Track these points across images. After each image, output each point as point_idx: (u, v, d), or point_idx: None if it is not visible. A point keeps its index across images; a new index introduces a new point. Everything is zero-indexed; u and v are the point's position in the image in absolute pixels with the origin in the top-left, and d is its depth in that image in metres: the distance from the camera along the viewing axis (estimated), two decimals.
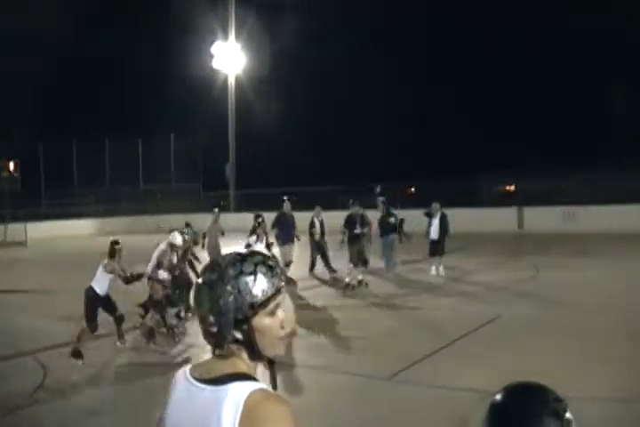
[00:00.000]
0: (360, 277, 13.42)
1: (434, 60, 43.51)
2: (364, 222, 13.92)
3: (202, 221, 16.78)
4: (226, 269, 1.71)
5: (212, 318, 1.69)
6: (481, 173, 30.84)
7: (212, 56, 35.46)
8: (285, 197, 15.47)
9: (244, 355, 1.72)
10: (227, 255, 1.78)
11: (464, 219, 21.06)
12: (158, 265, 9.59)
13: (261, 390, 1.63)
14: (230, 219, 26.68)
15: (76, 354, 8.05)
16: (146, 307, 9.78)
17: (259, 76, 36.80)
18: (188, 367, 1.79)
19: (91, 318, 8.20)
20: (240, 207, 34.68)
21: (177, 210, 34.87)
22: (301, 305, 11.71)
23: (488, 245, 20.39)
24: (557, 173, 27.53)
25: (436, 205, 15.12)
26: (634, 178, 23.50)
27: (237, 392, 1.61)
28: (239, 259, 1.74)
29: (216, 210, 15.47)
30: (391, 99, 43.73)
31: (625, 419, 5.61)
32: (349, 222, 13.89)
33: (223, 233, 14.98)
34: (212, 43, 35.39)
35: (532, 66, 41.68)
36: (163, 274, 9.54)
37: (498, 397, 1.58)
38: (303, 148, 43.24)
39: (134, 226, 31.95)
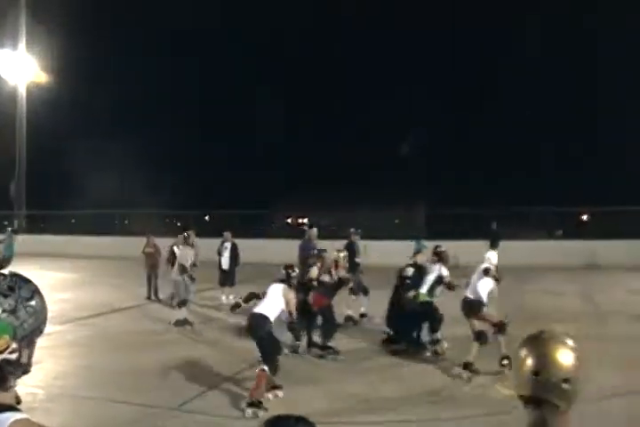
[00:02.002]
0: (363, 309, 12.53)
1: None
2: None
3: None
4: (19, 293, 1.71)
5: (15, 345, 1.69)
6: (274, 205, 31.53)
7: None
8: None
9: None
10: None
11: (257, 249, 21.34)
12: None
13: (24, 420, 1.62)
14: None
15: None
16: None
17: (54, 88, 34.69)
18: None
19: None
20: (31, 229, 32.22)
21: None
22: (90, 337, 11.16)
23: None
24: (346, 207, 28.99)
25: (227, 235, 15.21)
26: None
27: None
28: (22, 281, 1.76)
29: (9, 229, 13.94)
30: (190, 119, 43.49)
31: None
32: (351, 251, 13.02)
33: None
34: None
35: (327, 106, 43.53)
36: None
37: None
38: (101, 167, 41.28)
39: None
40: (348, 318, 12.23)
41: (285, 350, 9.16)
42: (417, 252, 10.99)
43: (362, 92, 42.63)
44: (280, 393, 7.63)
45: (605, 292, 15.76)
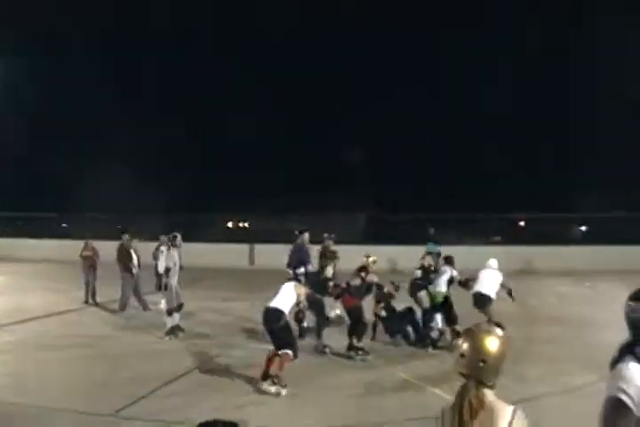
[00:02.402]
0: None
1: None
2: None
3: None
4: None
5: None
6: (215, 209, 31.31)
7: None
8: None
9: None
10: None
11: (196, 253, 21.18)
12: None
13: None
14: None
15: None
16: None
17: None
18: None
19: None
20: None
21: None
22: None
23: (219, 280, 20.57)
24: (284, 212, 29.18)
25: (163, 238, 14.99)
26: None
27: None
28: None
29: None
30: (107, 123, 42.42)
31: None
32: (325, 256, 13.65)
33: None
34: None
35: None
36: None
37: None
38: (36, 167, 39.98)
39: None
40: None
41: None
42: (428, 253, 12.28)
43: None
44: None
45: (537, 296, 16.20)
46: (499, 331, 2.73)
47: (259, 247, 25.92)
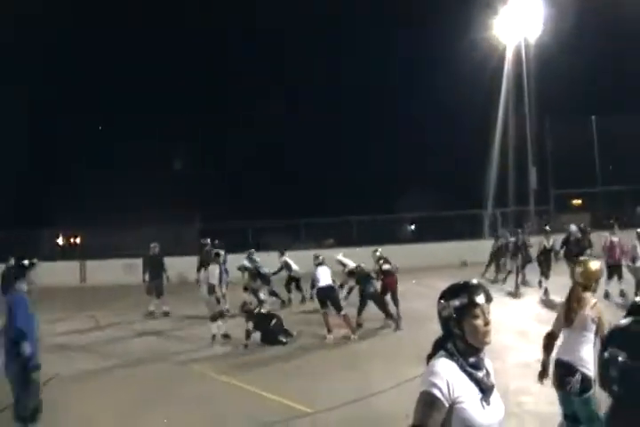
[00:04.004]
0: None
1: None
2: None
3: None
4: None
5: None
6: (42, 226, 29.72)
7: None
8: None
9: None
10: None
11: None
12: None
13: None
14: None
15: None
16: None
17: None
18: None
19: None
20: None
21: None
22: None
23: (48, 301, 19.41)
24: (118, 226, 28.31)
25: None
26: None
27: None
28: None
29: None
30: None
31: None
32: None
33: None
34: None
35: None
36: None
37: None
38: None
39: None
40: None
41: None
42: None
43: None
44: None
45: None
46: (595, 261, 5.46)
47: (91, 264, 24.88)
